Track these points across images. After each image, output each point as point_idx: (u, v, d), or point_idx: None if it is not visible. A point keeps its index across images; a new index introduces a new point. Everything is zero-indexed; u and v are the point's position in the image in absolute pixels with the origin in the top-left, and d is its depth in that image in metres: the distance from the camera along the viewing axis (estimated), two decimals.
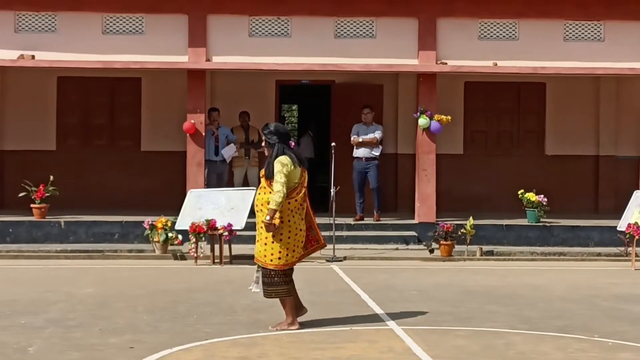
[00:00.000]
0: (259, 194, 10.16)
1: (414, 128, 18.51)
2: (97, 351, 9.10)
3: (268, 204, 9.94)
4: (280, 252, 10.13)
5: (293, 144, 10.37)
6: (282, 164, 9.95)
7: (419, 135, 18.24)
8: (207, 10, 17.80)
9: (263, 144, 10.33)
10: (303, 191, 10.18)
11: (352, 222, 18.07)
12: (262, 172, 10.21)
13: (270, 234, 10.02)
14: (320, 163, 21.50)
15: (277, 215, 9.93)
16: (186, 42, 17.78)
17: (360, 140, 18.27)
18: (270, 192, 9.97)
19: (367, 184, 18.45)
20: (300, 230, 10.21)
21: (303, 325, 10.44)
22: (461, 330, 10.28)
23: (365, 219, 18.29)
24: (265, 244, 10.12)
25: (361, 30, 18.03)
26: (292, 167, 10.02)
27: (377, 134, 18.37)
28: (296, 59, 17.86)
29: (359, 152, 18.44)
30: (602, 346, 9.55)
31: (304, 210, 10.23)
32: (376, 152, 18.41)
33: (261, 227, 10.07)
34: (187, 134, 17.87)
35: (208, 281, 13.87)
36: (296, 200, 10.10)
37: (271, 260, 10.16)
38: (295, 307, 10.37)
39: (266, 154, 10.25)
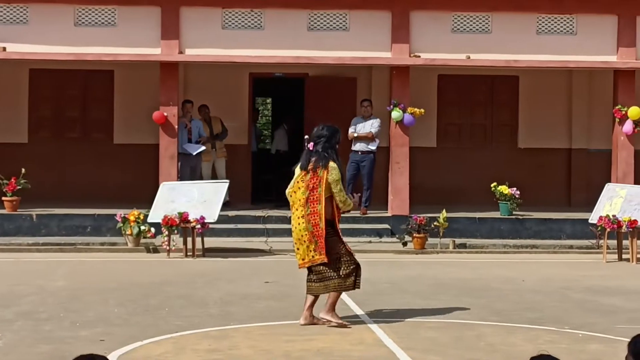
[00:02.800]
0: (298, 188, 10.15)
1: (387, 121, 18.52)
2: (67, 344, 9.07)
3: (307, 201, 10.01)
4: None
5: (312, 145, 10.37)
6: (335, 170, 10.10)
7: (392, 128, 18.26)
8: (180, 2, 17.73)
9: (310, 145, 10.35)
10: (302, 191, 10.08)
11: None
12: (307, 166, 10.20)
13: (304, 236, 10.06)
14: (295, 156, 21.45)
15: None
16: (159, 35, 17.71)
17: (356, 135, 18.26)
18: (303, 186, 10.07)
19: (359, 178, 18.38)
20: (296, 227, 10.13)
21: (276, 317, 10.44)
22: (432, 322, 10.31)
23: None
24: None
25: (334, 23, 18.01)
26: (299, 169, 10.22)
27: (373, 129, 18.35)
28: (269, 52, 17.83)
29: (356, 146, 18.39)
30: (572, 338, 9.60)
31: (307, 210, 10.05)
32: (372, 147, 18.36)
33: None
34: (160, 127, 17.81)
35: (180, 274, 13.84)
36: (294, 193, 10.16)
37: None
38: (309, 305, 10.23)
39: (311, 148, 10.26)
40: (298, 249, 10.18)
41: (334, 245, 10.10)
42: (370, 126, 18.32)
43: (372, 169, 18.36)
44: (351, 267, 10.15)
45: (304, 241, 10.08)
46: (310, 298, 10.23)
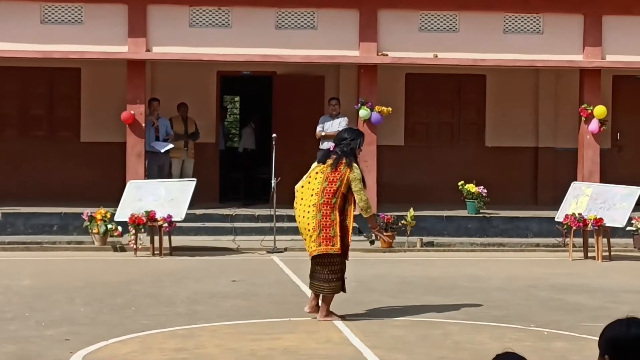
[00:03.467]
0: (314, 178, 10.19)
1: (355, 119, 18.53)
2: (32, 343, 9.01)
3: (323, 191, 10.04)
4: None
5: (333, 146, 10.52)
6: (358, 170, 10.18)
7: (359, 127, 18.26)
8: (147, 0, 17.66)
9: (331, 146, 10.44)
10: (318, 181, 10.13)
11: None
12: (325, 162, 10.28)
13: (310, 224, 10.06)
14: (262, 154, 21.44)
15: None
16: (126, 32, 17.64)
17: (324, 134, 18.27)
18: (322, 177, 10.12)
19: None
20: (303, 217, 10.15)
21: (242, 316, 10.44)
22: (399, 321, 10.33)
23: None
24: None
25: (302, 22, 18.01)
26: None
27: (342, 127, 18.35)
28: (237, 50, 17.81)
29: (324, 145, 18.38)
30: (537, 335, 9.65)
31: (321, 199, 10.06)
32: None
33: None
34: (127, 125, 17.75)
35: (147, 273, 13.79)
36: (302, 187, 10.26)
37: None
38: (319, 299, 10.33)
39: (331, 149, 10.37)
40: (304, 239, 10.26)
41: (341, 243, 10.14)
42: (338, 125, 18.32)
43: None
44: (341, 270, 10.21)
45: (308, 230, 10.09)
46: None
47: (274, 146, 16.78)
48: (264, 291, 12.24)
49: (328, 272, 10.14)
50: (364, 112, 17.99)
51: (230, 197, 20.44)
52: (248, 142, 22.00)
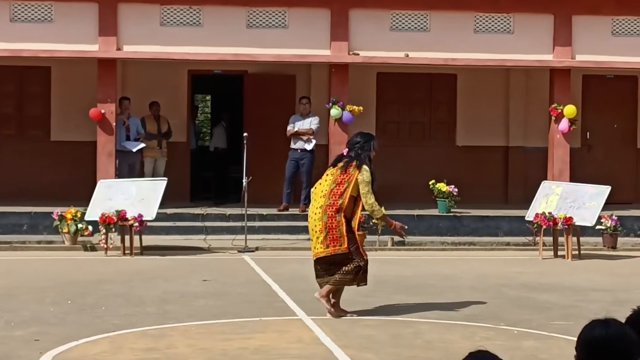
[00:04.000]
0: (325, 180, 10.41)
1: (326, 119, 18.55)
2: (1, 344, 8.95)
3: (330, 192, 10.22)
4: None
5: (346, 151, 10.66)
6: (367, 172, 10.33)
7: (331, 126, 18.30)
8: None
9: (344, 151, 10.60)
10: (327, 183, 10.32)
11: (277, 212, 18.10)
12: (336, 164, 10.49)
13: (317, 226, 10.24)
14: (233, 153, 21.41)
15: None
16: (96, 31, 17.58)
17: (296, 130, 18.25)
18: (331, 179, 10.32)
19: (299, 176, 18.47)
20: (312, 219, 10.35)
21: (214, 316, 10.42)
22: (370, 320, 10.35)
23: (290, 209, 18.31)
24: None
25: (273, 21, 18.00)
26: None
27: (313, 126, 18.40)
28: (208, 49, 17.78)
29: (296, 145, 18.41)
30: (507, 334, 9.69)
31: (328, 201, 10.23)
32: (309, 147, 18.39)
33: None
34: (97, 124, 17.68)
35: (118, 272, 13.74)
36: (315, 188, 10.47)
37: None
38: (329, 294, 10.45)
39: (345, 154, 10.55)
40: (310, 239, 10.45)
41: (349, 242, 10.26)
42: (309, 124, 18.34)
43: (311, 166, 18.40)
44: (353, 266, 10.30)
45: (316, 232, 10.28)
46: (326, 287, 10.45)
47: (245, 145, 16.76)
48: (235, 291, 12.23)
49: (343, 266, 10.31)
50: (335, 112, 18.01)
51: (201, 196, 20.40)
52: (219, 141, 21.96)
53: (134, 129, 18.47)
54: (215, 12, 17.84)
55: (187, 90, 20.15)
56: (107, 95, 17.70)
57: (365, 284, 10.58)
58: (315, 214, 10.28)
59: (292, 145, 18.38)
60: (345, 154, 10.56)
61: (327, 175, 10.46)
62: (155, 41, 17.72)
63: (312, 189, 10.67)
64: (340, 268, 10.30)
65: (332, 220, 10.19)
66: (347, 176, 10.29)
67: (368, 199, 10.31)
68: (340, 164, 10.40)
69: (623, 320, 3.93)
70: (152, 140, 18.76)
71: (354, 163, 10.35)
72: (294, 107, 19.32)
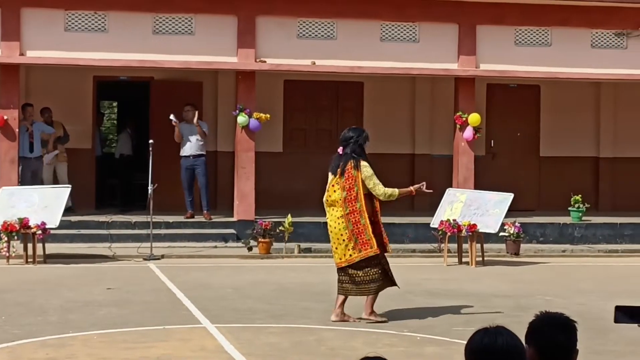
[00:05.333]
0: (333, 191, 10.59)
1: (233, 126, 18.52)
2: None
3: (344, 201, 10.46)
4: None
5: (341, 149, 10.83)
6: (367, 167, 10.54)
7: (237, 133, 18.26)
8: (20, 3, 17.33)
9: (339, 149, 10.72)
10: (338, 193, 10.51)
11: (184, 219, 18.02)
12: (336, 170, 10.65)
13: (343, 235, 10.51)
14: (139, 160, 21.24)
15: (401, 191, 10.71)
16: None
17: (174, 121, 18.10)
18: (339, 188, 10.49)
19: (196, 181, 18.43)
20: (335, 228, 10.54)
21: (116, 325, 10.31)
22: (274, 327, 10.34)
23: (195, 216, 18.24)
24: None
25: (180, 27, 17.90)
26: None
27: (205, 128, 18.39)
28: (114, 55, 17.60)
29: (185, 150, 18.35)
30: (410, 340, 9.77)
31: (347, 210, 10.48)
32: (202, 150, 18.40)
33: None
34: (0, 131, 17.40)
35: (20, 281, 13.52)
36: (327, 200, 10.67)
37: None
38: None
39: (341, 152, 10.71)
40: (336, 248, 10.57)
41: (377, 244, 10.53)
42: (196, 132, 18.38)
43: (206, 171, 18.41)
44: (381, 269, 10.61)
45: (343, 240, 10.50)
46: (341, 297, 10.61)
47: (151, 152, 16.63)
48: (139, 299, 12.12)
49: (371, 273, 10.56)
50: (242, 119, 17.98)
51: (106, 203, 20.19)
52: (124, 147, 21.76)
53: (37, 135, 18.19)
54: (120, 18, 17.68)
55: (93, 97, 19.92)
56: (10, 101, 17.42)
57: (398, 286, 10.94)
58: (338, 224, 10.53)
59: (183, 153, 18.35)
60: (341, 152, 10.76)
61: (333, 185, 10.65)
62: (60, 47, 17.49)
63: (323, 201, 10.78)
64: (368, 274, 10.54)
65: (357, 226, 10.48)
66: (352, 180, 10.52)
67: (378, 190, 10.55)
68: (339, 170, 10.57)
69: (526, 326, 3.99)
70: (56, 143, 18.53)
71: (351, 163, 10.55)
72: (201, 114, 19.24)
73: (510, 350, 3.57)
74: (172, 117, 17.85)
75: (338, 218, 10.55)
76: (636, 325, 4.90)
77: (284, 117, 20.42)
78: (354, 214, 10.47)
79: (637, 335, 6.81)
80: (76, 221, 17.56)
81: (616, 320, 4.84)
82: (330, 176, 10.74)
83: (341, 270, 10.60)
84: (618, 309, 4.84)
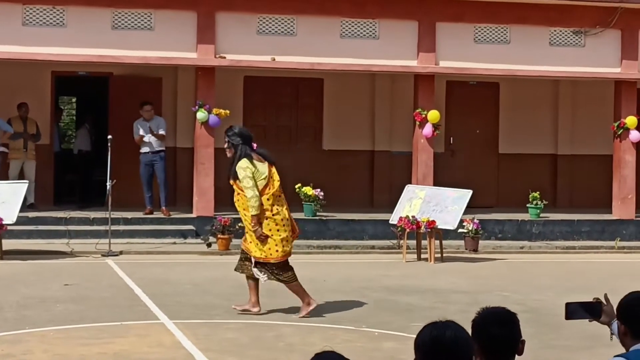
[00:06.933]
0: (237, 200, 10.80)
1: (192, 122, 18.46)
2: None
3: (280, 192, 10.73)
4: (277, 245, 10.69)
5: (255, 145, 10.95)
6: (242, 169, 10.49)
7: (197, 129, 18.20)
8: None
9: (225, 145, 10.80)
10: (276, 185, 10.66)
11: (143, 215, 17.95)
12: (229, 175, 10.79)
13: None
14: (98, 156, 21.14)
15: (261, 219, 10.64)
16: None
17: (147, 139, 18.14)
18: (242, 195, 10.59)
19: (155, 177, 18.38)
20: (287, 219, 10.77)
21: (73, 321, 10.26)
22: (232, 323, 10.34)
23: (154, 212, 18.17)
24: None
25: (139, 22, 17.82)
26: (254, 167, 10.56)
27: (162, 131, 18.35)
28: (72, 50, 17.48)
29: (145, 148, 18.29)
30: (368, 336, 9.80)
31: (283, 198, 10.79)
32: (161, 147, 18.37)
33: (250, 230, 10.73)
34: None
35: None
36: (273, 195, 10.64)
37: (271, 255, 10.70)
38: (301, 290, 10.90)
39: (228, 155, 10.77)
40: (287, 241, 10.91)
41: None
42: (157, 128, 18.30)
43: (165, 167, 18.37)
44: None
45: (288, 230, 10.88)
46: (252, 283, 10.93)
47: (109, 148, 16.55)
48: (97, 295, 12.06)
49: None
50: (201, 115, 17.92)
51: (65, 199, 20.05)
52: (83, 143, 21.63)
53: None
54: (79, 12, 17.56)
55: (51, 92, 19.78)
56: None
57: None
58: (287, 213, 10.81)
59: (142, 150, 18.30)
60: (255, 147, 10.97)
61: (272, 177, 10.74)
62: (17, 41, 17.34)
63: (273, 192, 10.77)
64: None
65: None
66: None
67: (247, 193, 10.70)
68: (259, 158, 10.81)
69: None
70: (18, 140, 18.35)
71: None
72: (160, 109, 19.18)
73: (459, 342, 3.60)
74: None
75: (286, 209, 10.87)
76: (587, 320, 4.95)
77: (244, 114, 20.37)
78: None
79: (590, 330, 6.87)
80: (34, 217, 17.44)
81: (568, 317, 4.89)
82: (259, 167, 10.74)
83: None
84: (569, 305, 4.89)
